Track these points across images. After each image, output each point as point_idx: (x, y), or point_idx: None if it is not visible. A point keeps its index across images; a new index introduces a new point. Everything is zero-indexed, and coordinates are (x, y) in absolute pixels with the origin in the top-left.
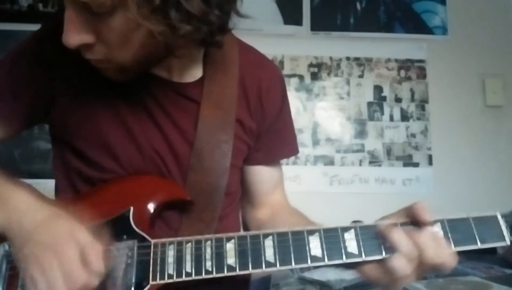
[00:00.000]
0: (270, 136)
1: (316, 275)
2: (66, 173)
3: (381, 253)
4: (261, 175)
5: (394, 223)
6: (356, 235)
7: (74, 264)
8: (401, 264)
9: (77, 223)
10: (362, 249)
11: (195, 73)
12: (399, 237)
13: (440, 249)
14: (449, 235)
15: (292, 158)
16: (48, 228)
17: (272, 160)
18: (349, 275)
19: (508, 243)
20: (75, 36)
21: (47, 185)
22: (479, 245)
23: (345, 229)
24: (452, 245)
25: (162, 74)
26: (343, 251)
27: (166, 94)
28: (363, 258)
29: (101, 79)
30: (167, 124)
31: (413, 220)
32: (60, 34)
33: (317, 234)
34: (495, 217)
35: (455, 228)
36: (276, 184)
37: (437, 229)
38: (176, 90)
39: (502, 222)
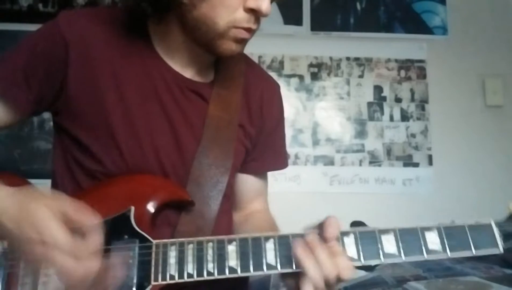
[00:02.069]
0: (265, 147)
1: None
2: (65, 164)
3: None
4: (248, 184)
5: (301, 234)
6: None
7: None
8: (305, 285)
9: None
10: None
11: (208, 76)
12: (306, 262)
13: (341, 269)
14: (445, 241)
15: (292, 158)
16: (23, 220)
17: (263, 171)
18: None
19: (502, 251)
20: (269, 6)
21: (47, 185)
22: (474, 253)
23: (345, 233)
24: (448, 252)
25: (178, 70)
26: None
27: (180, 87)
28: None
29: (115, 68)
30: (177, 116)
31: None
32: (80, 23)
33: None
34: (490, 226)
35: (451, 235)
36: (259, 194)
37: (337, 244)
38: (189, 86)
39: (496, 231)
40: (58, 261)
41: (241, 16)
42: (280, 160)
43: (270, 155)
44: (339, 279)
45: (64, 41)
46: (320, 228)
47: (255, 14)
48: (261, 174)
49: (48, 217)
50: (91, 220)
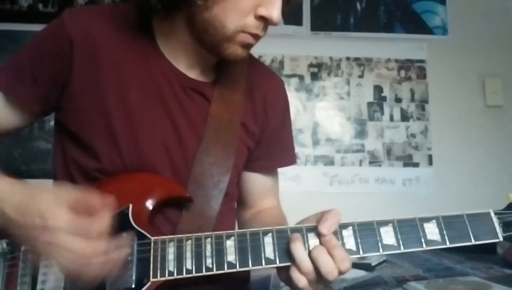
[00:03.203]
0: (272, 145)
1: None
2: (64, 164)
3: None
4: (256, 182)
5: (299, 227)
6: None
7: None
8: (296, 275)
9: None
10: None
11: (210, 75)
12: (298, 252)
13: (335, 261)
14: (444, 231)
15: None
16: (28, 207)
17: (271, 168)
18: (349, 275)
19: (501, 239)
20: (280, 15)
21: (47, 185)
22: (473, 242)
23: (343, 225)
24: (447, 242)
25: (182, 69)
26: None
27: (183, 87)
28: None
29: (118, 65)
30: (179, 116)
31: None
32: (84, 20)
33: (315, 232)
34: (488, 214)
35: (450, 225)
36: (268, 191)
37: (333, 237)
38: (192, 86)
39: (495, 219)
40: (64, 243)
41: (251, 22)
42: (287, 156)
43: (277, 152)
44: (339, 272)
45: (69, 38)
46: (316, 221)
47: (265, 21)
48: (269, 171)
49: (53, 202)
50: (99, 201)
